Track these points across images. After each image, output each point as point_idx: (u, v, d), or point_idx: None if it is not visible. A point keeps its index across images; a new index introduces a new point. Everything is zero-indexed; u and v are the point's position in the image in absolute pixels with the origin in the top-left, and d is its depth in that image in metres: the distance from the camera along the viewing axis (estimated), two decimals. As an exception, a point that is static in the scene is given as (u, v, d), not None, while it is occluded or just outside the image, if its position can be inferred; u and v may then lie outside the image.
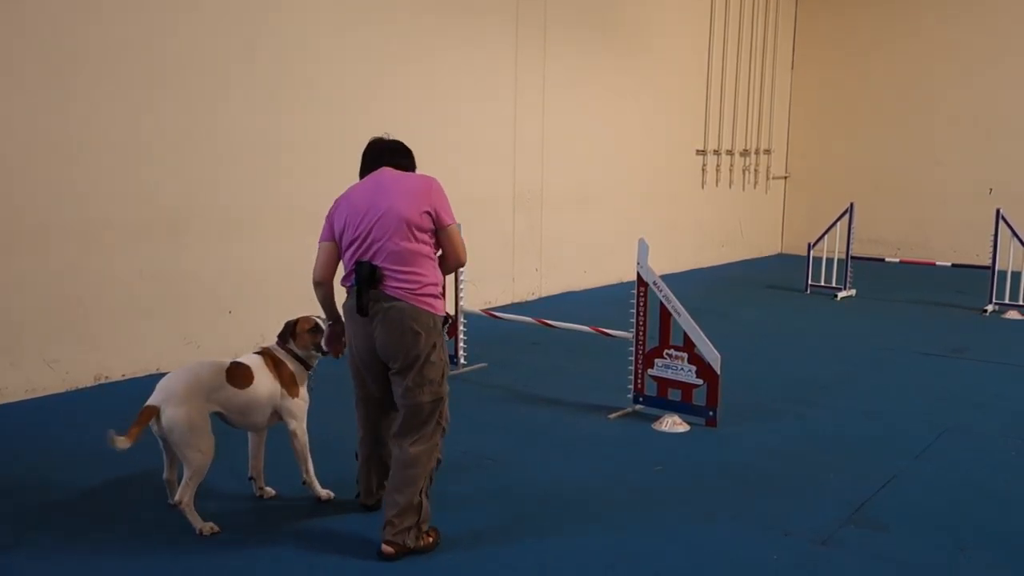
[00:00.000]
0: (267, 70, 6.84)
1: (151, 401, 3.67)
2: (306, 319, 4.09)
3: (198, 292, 6.53)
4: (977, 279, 9.91)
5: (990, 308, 9.24)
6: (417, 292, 3.51)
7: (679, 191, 11.93)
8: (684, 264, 12.04)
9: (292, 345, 4.03)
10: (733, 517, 4.02)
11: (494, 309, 7.81)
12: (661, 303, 5.33)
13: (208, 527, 3.69)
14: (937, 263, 10.50)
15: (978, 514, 4.09)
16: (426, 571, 3.48)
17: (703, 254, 12.59)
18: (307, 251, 7.15)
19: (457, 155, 8.59)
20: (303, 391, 4.01)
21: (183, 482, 3.68)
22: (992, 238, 9.36)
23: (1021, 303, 9.16)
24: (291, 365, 4.00)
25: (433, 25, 8.21)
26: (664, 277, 5.56)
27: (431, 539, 3.64)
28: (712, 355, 5.20)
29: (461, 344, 6.53)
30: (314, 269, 3.70)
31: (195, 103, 6.39)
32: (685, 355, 5.29)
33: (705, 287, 10.71)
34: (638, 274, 5.44)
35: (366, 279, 3.48)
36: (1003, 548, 3.76)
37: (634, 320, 5.51)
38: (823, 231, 10.53)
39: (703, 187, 12.37)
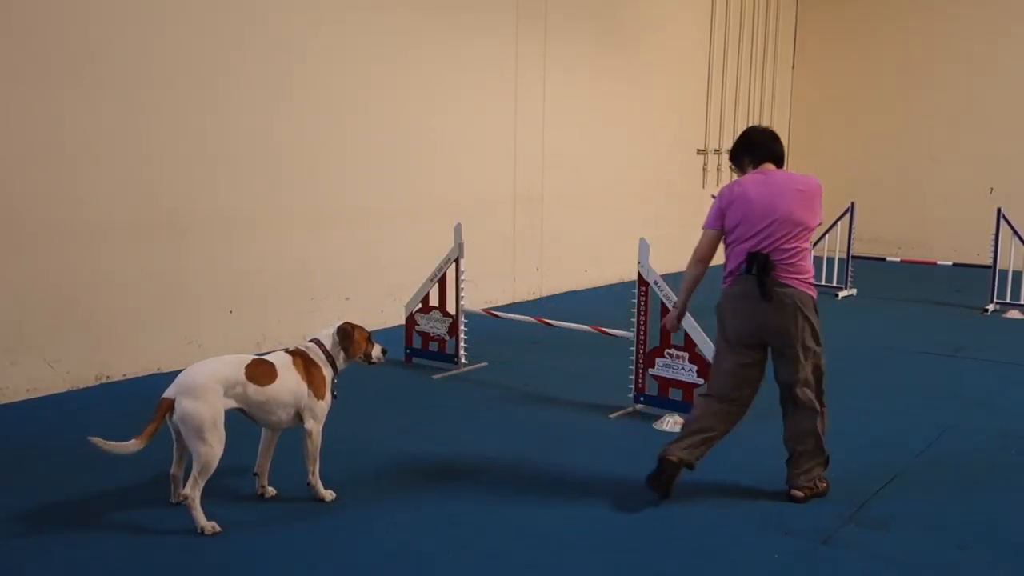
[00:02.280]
0: (267, 71, 6.84)
1: (167, 393, 3.71)
2: (361, 328, 4.20)
3: (199, 292, 6.53)
4: (978, 278, 9.91)
5: (991, 307, 9.24)
6: (802, 280, 4.05)
7: (680, 190, 11.92)
8: (685, 263, 12.01)
9: (341, 351, 4.09)
10: (734, 516, 4.02)
11: (495, 309, 7.81)
12: (662, 302, 5.33)
13: (211, 526, 3.69)
14: (938, 262, 10.49)
15: (979, 513, 4.09)
16: (428, 571, 3.48)
17: (704, 253, 12.58)
18: (307, 250, 7.20)
19: (457, 155, 8.60)
20: (328, 395, 4.06)
21: (191, 476, 3.68)
22: (993, 237, 9.36)
23: (1022, 302, 9.16)
24: (324, 369, 4.04)
25: (434, 26, 8.21)
26: (665, 276, 5.56)
27: (824, 484, 4.21)
28: (712, 354, 5.19)
29: (462, 344, 6.54)
30: (698, 250, 4.29)
31: (196, 103, 6.39)
32: (686, 354, 5.29)
33: (706, 286, 10.65)
34: (639, 273, 5.45)
35: (763, 268, 3.98)
36: (1003, 547, 3.76)
37: (635, 319, 5.51)
38: (824, 230, 10.52)
39: (704, 186, 12.37)
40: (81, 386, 5.91)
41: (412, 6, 7.99)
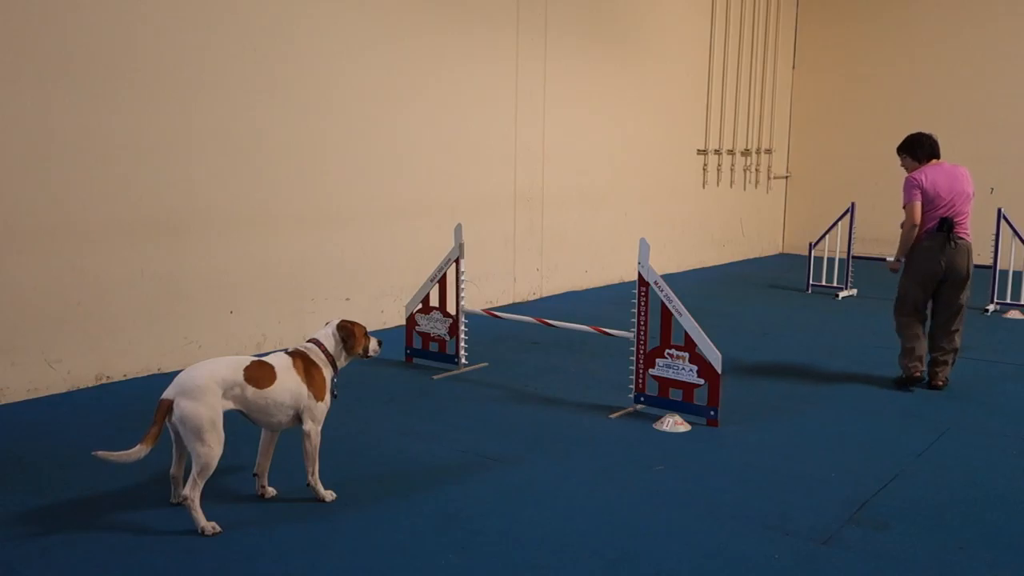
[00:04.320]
0: (272, 74, 6.84)
1: (166, 394, 3.72)
2: (359, 323, 4.22)
3: (199, 292, 6.53)
4: (978, 279, 9.86)
5: (991, 308, 9.24)
6: (969, 235, 6.04)
7: (680, 190, 11.93)
8: (686, 264, 12.04)
9: (342, 349, 4.12)
10: (734, 516, 4.02)
11: (495, 309, 7.82)
12: (662, 303, 5.33)
13: (211, 526, 3.69)
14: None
15: (979, 513, 4.09)
16: (428, 572, 3.48)
17: (704, 254, 12.59)
18: (308, 251, 7.20)
19: (458, 155, 8.60)
20: (328, 396, 4.06)
21: (191, 477, 3.69)
22: (993, 238, 9.36)
23: (1022, 303, 9.16)
24: (324, 370, 4.05)
25: (434, 27, 8.21)
26: (665, 276, 5.55)
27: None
28: (713, 355, 5.20)
29: (462, 343, 6.54)
30: (914, 216, 6.06)
31: (196, 104, 6.40)
32: (686, 355, 5.29)
33: (706, 286, 10.71)
34: (639, 274, 5.44)
35: (950, 227, 5.91)
36: (1004, 548, 3.76)
37: (635, 320, 5.51)
38: (824, 231, 10.51)
39: (704, 186, 12.37)
40: (81, 386, 5.91)
41: (412, 6, 7.99)
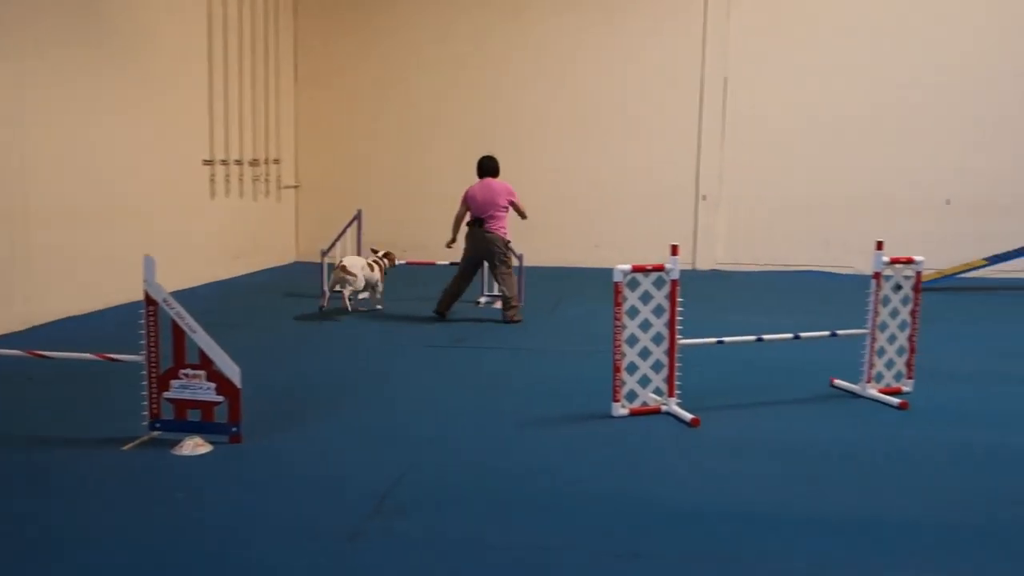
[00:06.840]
0: None
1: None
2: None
3: None
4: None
5: (483, 300, 10.45)
6: (499, 231, 9.09)
7: (187, 203, 11.43)
8: (200, 278, 11.58)
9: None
10: (261, 526, 4.01)
11: (-28, 344, 6.73)
12: (173, 321, 5.09)
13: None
14: (437, 262, 11.45)
15: (487, 487, 4.58)
16: None
17: (217, 267, 12.23)
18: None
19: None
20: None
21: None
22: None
23: (496, 293, 10.50)
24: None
25: None
26: (176, 293, 5.31)
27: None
28: (231, 369, 5.10)
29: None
30: (458, 213, 9.36)
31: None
32: (203, 372, 5.12)
33: (222, 300, 10.47)
34: (146, 292, 5.12)
35: (480, 224, 9.06)
36: (518, 512, 4.26)
37: (145, 342, 5.17)
38: (335, 238, 10.92)
39: (213, 197, 12.04)
40: None
41: None
